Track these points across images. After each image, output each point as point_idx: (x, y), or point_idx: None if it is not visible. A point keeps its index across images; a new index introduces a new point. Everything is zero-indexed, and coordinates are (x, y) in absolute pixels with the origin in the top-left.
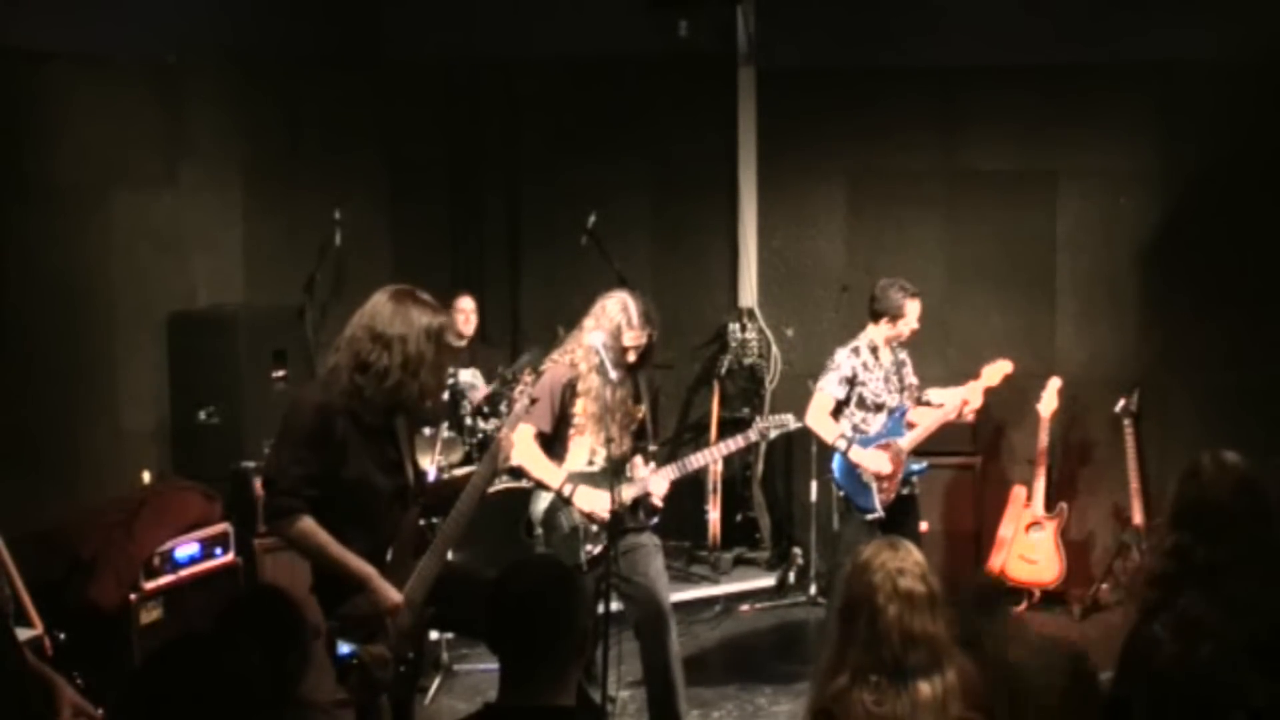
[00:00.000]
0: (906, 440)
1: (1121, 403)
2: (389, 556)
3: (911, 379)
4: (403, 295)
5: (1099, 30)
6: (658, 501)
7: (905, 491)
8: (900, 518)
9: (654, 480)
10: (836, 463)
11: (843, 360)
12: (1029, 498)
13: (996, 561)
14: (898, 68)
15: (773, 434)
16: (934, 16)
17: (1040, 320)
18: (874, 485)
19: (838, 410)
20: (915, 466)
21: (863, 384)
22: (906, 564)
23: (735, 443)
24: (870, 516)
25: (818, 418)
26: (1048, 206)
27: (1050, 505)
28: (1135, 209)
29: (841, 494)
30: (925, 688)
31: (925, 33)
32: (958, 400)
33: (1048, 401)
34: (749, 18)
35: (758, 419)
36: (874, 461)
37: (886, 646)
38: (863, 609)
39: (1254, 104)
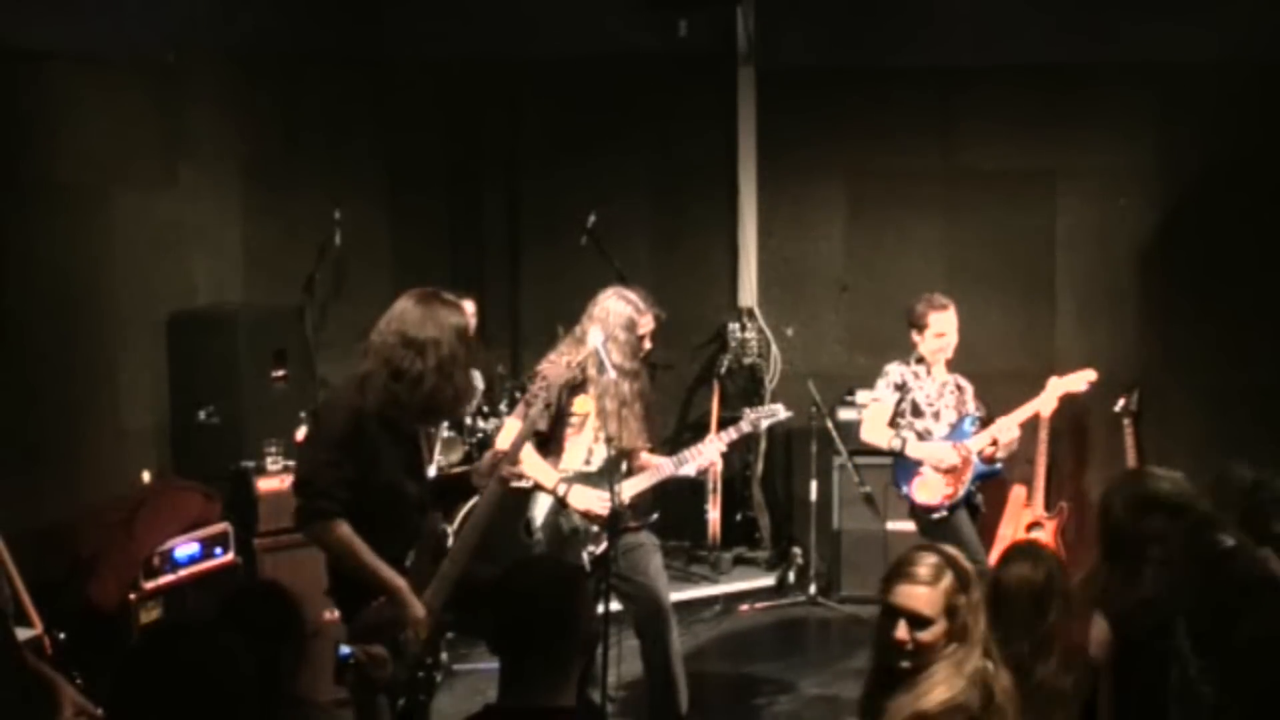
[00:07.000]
0: (975, 441)
1: (1121, 402)
2: (409, 561)
3: (971, 408)
4: (428, 298)
5: (1099, 30)
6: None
7: (975, 498)
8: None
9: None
10: (898, 471)
11: (892, 368)
12: (1029, 497)
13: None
14: (898, 68)
15: (764, 424)
16: (934, 16)
17: (1039, 320)
18: (939, 483)
19: (893, 423)
20: (986, 469)
21: (912, 391)
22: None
23: (728, 435)
24: (935, 516)
25: (873, 428)
26: (1047, 206)
27: (1050, 505)
28: (1135, 209)
29: (903, 494)
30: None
31: (925, 33)
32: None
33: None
34: (749, 17)
35: (747, 410)
36: (937, 452)
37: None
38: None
39: (1254, 104)
